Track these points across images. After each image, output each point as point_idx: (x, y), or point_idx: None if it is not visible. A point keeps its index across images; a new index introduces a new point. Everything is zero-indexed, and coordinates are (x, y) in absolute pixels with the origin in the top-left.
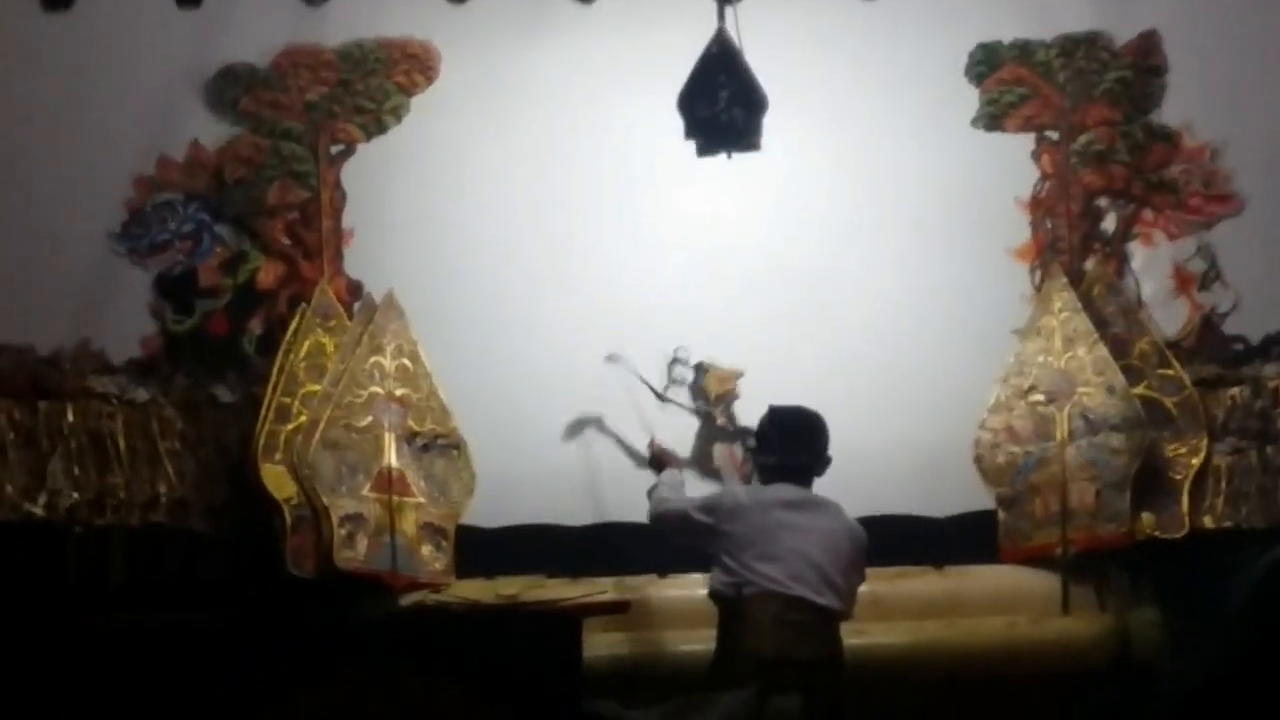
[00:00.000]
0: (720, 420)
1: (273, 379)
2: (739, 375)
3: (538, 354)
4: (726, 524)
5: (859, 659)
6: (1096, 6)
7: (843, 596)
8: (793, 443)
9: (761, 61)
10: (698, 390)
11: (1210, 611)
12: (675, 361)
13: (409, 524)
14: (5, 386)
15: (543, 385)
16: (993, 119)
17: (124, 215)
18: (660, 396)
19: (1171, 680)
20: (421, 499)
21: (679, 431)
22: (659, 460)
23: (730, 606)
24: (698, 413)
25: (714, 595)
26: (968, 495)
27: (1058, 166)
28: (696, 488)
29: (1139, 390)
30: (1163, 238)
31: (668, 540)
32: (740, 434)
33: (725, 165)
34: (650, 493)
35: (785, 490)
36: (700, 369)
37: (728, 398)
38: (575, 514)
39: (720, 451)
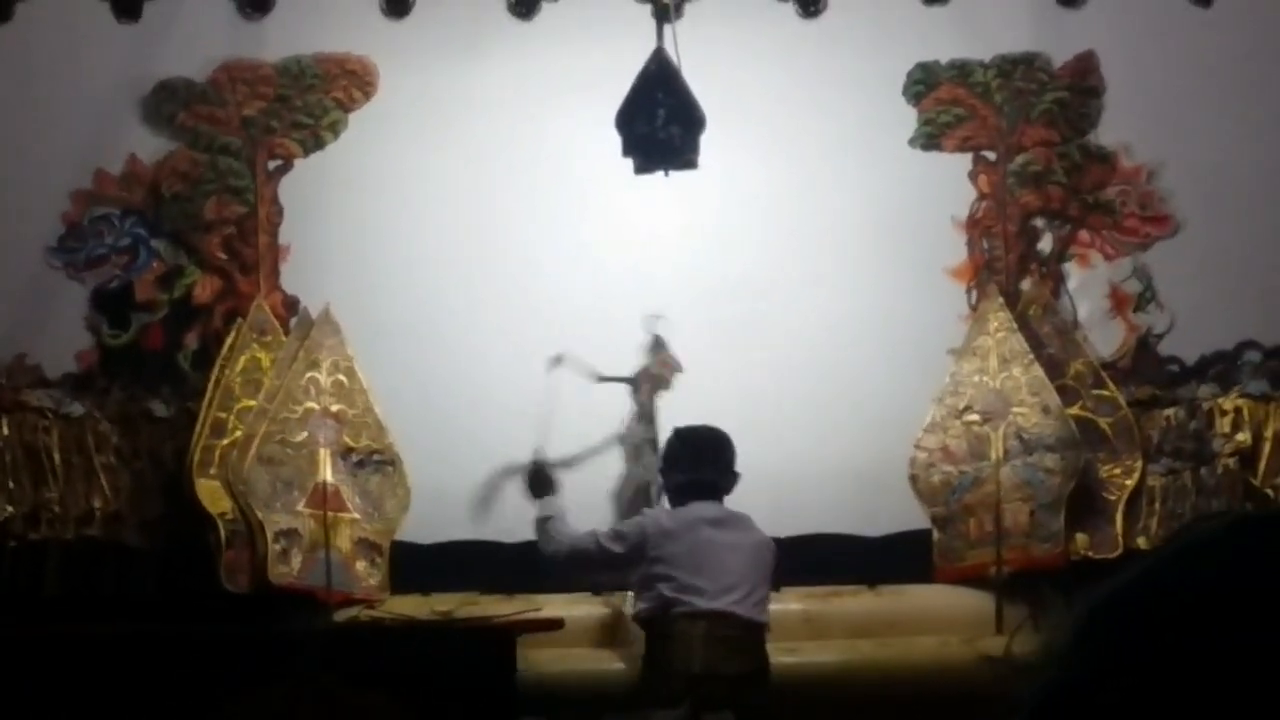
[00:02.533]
0: (643, 397)
1: (208, 394)
2: (678, 370)
3: (474, 370)
4: (654, 549)
5: (792, 677)
6: (1034, 28)
7: (766, 609)
8: (702, 460)
9: (700, 79)
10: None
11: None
12: (647, 322)
13: (344, 540)
14: None
15: (479, 402)
16: (930, 139)
17: (60, 229)
18: (603, 378)
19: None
20: (356, 515)
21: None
22: (539, 482)
23: (659, 627)
24: (632, 380)
25: (639, 619)
26: (902, 515)
27: (994, 187)
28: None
29: (1074, 411)
30: (1099, 258)
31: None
32: (649, 421)
33: (663, 182)
34: (540, 525)
35: (706, 508)
36: (658, 342)
37: (659, 383)
38: (510, 531)
39: (632, 425)
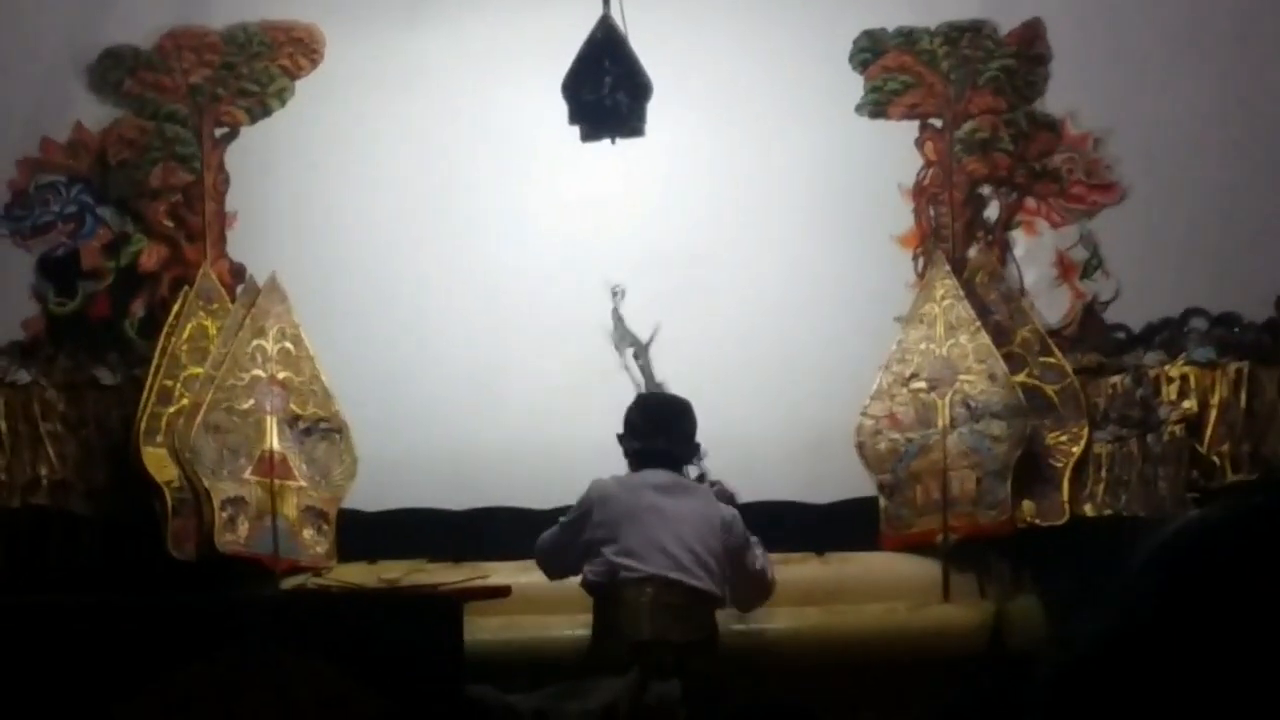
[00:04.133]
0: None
1: (155, 362)
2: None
3: (420, 337)
4: (598, 513)
5: (739, 644)
6: None
7: (717, 580)
8: (659, 429)
9: (646, 47)
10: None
11: (1090, 599)
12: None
13: (290, 508)
14: None
15: (425, 369)
16: (877, 106)
17: (6, 197)
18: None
19: (1048, 666)
20: (303, 482)
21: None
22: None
23: (605, 593)
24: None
25: (587, 585)
26: (849, 482)
27: (941, 154)
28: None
29: (1020, 378)
30: (1045, 226)
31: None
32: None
33: (610, 150)
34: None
35: (654, 475)
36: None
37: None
38: (457, 498)
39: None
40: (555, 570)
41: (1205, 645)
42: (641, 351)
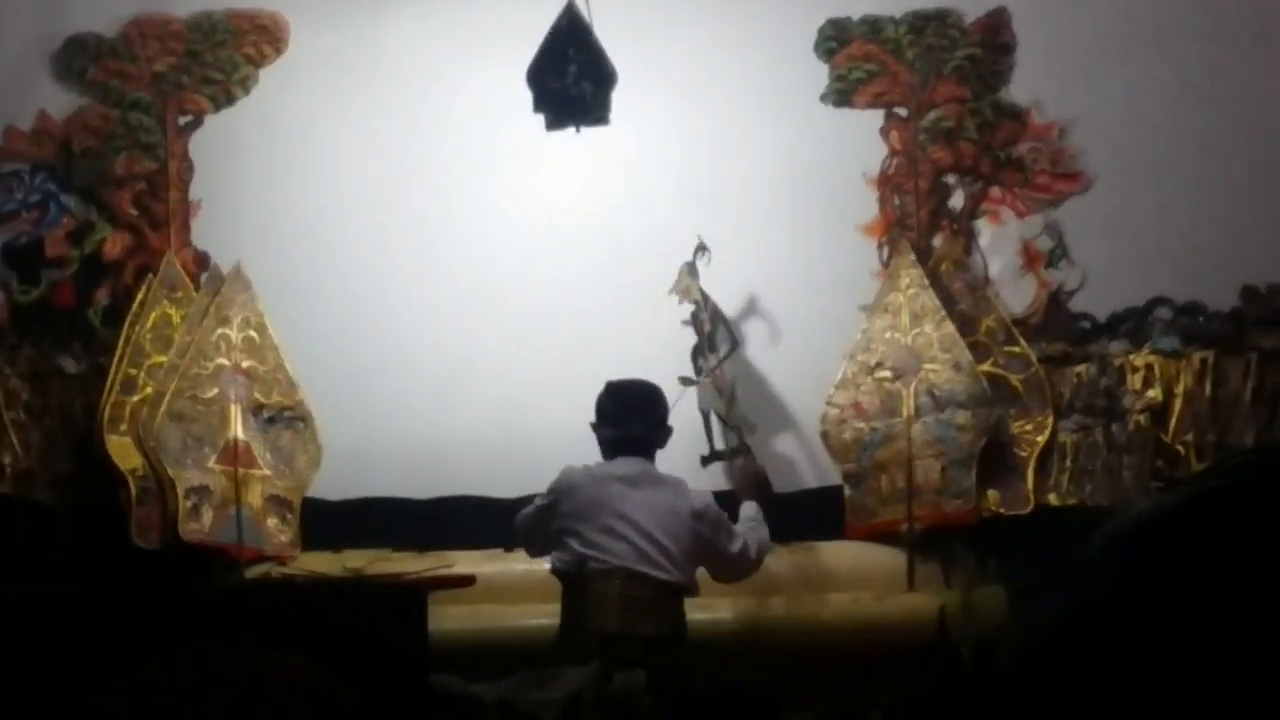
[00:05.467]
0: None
1: (119, 350)
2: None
3: (385, 326)
4: (565, 501)
5: (703, 634)
6: None
7: (684, 571)
8: (630, 415)
9: (611, 35)
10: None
11: (1054, 588)
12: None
13: (255, 496)
14: None
15: (390, 358)
16: (841, 95)
17: None
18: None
19: (1011, 654)
20: (267, 471)
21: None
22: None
23: (572, 582)
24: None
25: (556, 572)
26: (813, 471)
27: (906, 143)
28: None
29: (985, 367)
30: (1010, 215)
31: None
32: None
33: (576, 138)
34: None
35: (623, 465)
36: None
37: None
38: (422, 487)
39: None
40: (534, 549)
41: (1165, 629)
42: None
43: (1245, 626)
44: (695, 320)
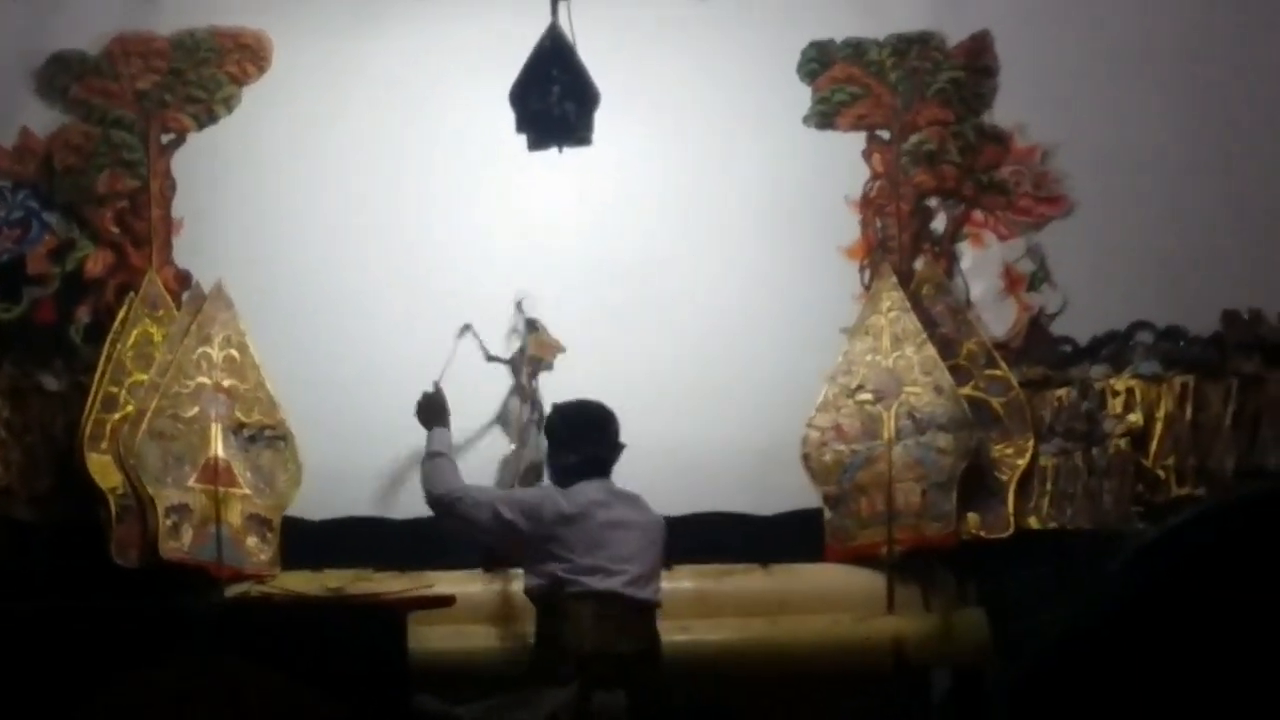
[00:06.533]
0: (523, 379)
1: (100, 368)
2: (559, 350)
3: (367, 346)
4: (550, 529)
5: (683, 655)
6: (929, 6)
7: (658, 588)
8: (587, 437)
9: (594, 56)
10: (524, 342)
11: (1034, 611)
12: (518, 306)
13: (235, 515)
14: None
15: (372, 378)
16: (824, 117)
17: None
18: (491, 358)
19: (994, 678)
20: (247, 490)
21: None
22: (433, 409)
23: (550, 603)
24: (511, 362)
25: (530, 593)
26: (794, 493)
27: (888, 166)
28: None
29: (966, 390)
30: (992, 238)
31: (440, 522)
32: (533, 402)
33: (558, 159)
34: (427, 460)
35: (596, 490)
36: (532, 324)
37: (539, 364)
38: (403, 507)
39: (513, 405)
40: (459, 536)
41: (1184, 642)
42: (537, 370)
43: (1267, 644)
44: (514, 366)
